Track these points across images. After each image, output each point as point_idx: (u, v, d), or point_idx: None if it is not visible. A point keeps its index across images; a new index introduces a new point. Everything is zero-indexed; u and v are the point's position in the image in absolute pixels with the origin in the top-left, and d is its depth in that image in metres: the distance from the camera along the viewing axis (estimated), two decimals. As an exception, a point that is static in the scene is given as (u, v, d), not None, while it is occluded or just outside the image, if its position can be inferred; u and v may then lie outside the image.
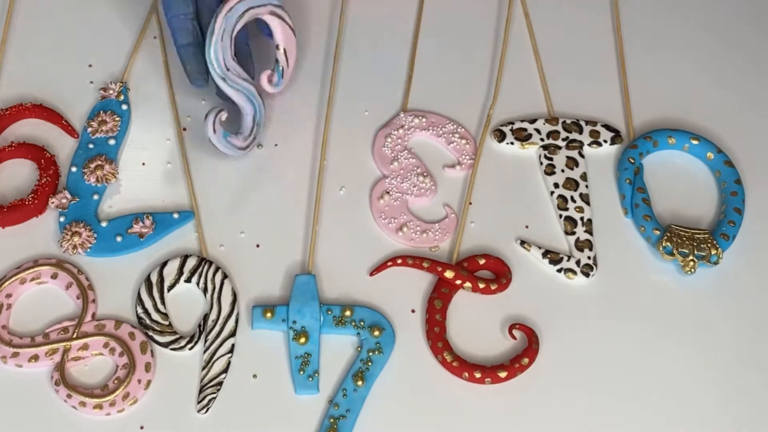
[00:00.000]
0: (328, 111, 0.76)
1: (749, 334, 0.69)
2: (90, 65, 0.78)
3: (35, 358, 0.64)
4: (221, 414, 0.63)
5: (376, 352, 0.65)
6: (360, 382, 0.64)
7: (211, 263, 0.68)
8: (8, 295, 0.66)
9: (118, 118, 0.74)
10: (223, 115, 0.68)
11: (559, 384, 0.66)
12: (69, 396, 0.62)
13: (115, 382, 0.63)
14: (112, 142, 0.73)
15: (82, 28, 0.80)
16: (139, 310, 0.66)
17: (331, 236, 0.71)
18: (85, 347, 0.64)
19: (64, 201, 0.70)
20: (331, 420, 0.63)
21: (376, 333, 0.66)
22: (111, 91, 0.76)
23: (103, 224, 0.69)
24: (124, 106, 0.75)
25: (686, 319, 0.69)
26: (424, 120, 0.76)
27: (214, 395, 0.63)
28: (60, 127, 0.74)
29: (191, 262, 0.68)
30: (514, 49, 0.81)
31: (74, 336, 0.64)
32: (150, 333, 0.65)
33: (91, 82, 0.77)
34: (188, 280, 0.68)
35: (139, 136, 0.75)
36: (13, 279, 0.66)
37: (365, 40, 0.81)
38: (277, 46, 0.73)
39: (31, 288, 0.67)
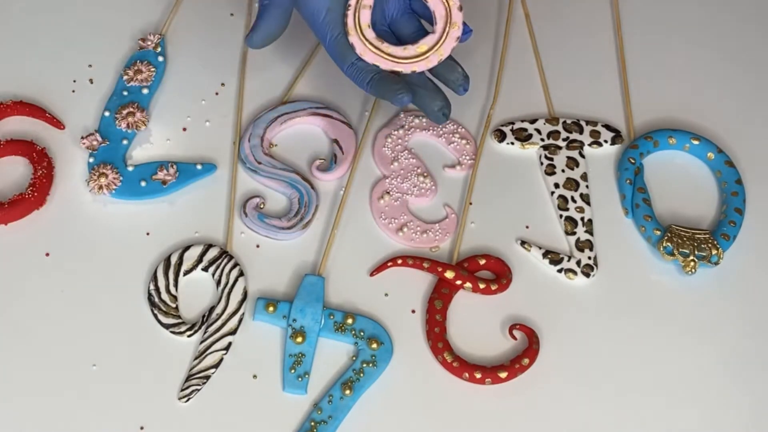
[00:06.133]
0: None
1: (750, 334, 0.69)
2: (90, 65, 0.78)
3: None
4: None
5: (370, 365, 0.65)
6: (348, 391, 0.64)
7: (231, 258, 0.68)
8: None
9: (153, 69, 0.76)
10: (255, 202, 0.71)
11: (559, 384, 0.66)
12: None
13: None
14: (145, 91, 0.75)
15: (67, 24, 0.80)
16: (151, 287, 0.67)
17: (332, 236, 0.71)
18: None
19: (95, 143, 0.72)
20: (312, 423, 0.63)
21: (374, 346, 0.66)
22: (149, 42, 0.77)
23: (130, 168, 0.72)
24: (161, 58, 0.77)
25: (687, 320, 0.69)
26: (424, 120, 0.76)
27: (198, 387, 0.64)
28: (44, 120, 0.74)
29: (212, 253, 0.69)
30: (514, 49, 0.81)
31: None
32: (155, 311, 0.66)
33: (83, 80, 0.77)
34: (205, 269, 0.68)
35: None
36: None
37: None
38: (334, 140, 0.75)
39: None
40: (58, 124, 0.74)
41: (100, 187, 0.70)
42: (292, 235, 0.70)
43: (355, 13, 0.67)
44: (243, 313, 0.67)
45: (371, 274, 0.69)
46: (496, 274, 0.70)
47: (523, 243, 0.71)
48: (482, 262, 0.70)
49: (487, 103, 0.78)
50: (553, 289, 0.70)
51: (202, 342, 0.66)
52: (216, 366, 0.65)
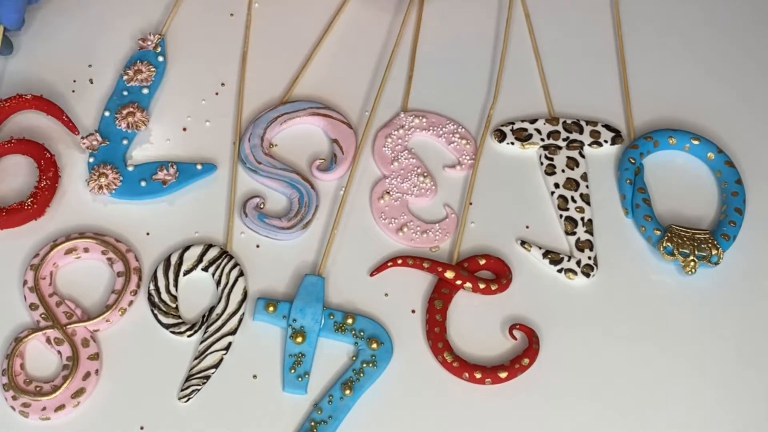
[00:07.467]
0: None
1: (750, 334, 0.69)
2: (90, 65, 0.78)
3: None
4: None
5: (370, 365, 0.65)
6: (348, 391, 0.64)
7: (231, 258, 0.69)
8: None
9: (153, 69, 0.76)
10: (255, 201, 0.71)
11: (559, 384, 0.66)
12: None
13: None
14: (145, 91, 0.75)
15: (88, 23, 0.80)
16: (151, 287, 0.67)
17: (332, 236, 0.71)
18: None
19: (95, 143, 0.72)
20: (312, 423, 0.63)
21: (374, 346, 0.66)
22: (149, 42, 0.78)
23: (130, 168, 0.72)
24: (161, 58, 0.77)
25: (687, 320, 0.69)
26: (424, 120, 0.76)
27: (198, 387, 0.64)
28: (61, 122, 0.74)
29: (212, 253, 0.69)
30: (514, 49, 0.81)
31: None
32: (155, 311, 0.66)
33: (91, 81, 0.77)
34: (205, 269, 0.68)
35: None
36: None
37: (366, 40, 0.81)
38: (333, 140, 0.75)
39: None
40: (73, 128, 0.73)
41: (100, 187, 0.70)
42: (292, 235, 0.70)
43: None
44: (243, 313, 0.67)
45: (371, 274, 0.69)
46: (496, 274, 0.70)
47: (523, 243, 0.71)
48: (482, 262, 0.70)
49: (487, 103, 0.78)
50: (553, 289, 0.70)
51: (202, 342, 0.66)
52: (216, 366, 0.65)
